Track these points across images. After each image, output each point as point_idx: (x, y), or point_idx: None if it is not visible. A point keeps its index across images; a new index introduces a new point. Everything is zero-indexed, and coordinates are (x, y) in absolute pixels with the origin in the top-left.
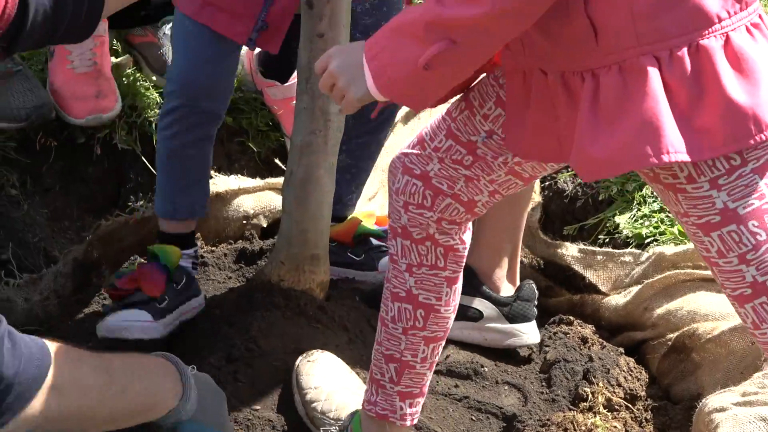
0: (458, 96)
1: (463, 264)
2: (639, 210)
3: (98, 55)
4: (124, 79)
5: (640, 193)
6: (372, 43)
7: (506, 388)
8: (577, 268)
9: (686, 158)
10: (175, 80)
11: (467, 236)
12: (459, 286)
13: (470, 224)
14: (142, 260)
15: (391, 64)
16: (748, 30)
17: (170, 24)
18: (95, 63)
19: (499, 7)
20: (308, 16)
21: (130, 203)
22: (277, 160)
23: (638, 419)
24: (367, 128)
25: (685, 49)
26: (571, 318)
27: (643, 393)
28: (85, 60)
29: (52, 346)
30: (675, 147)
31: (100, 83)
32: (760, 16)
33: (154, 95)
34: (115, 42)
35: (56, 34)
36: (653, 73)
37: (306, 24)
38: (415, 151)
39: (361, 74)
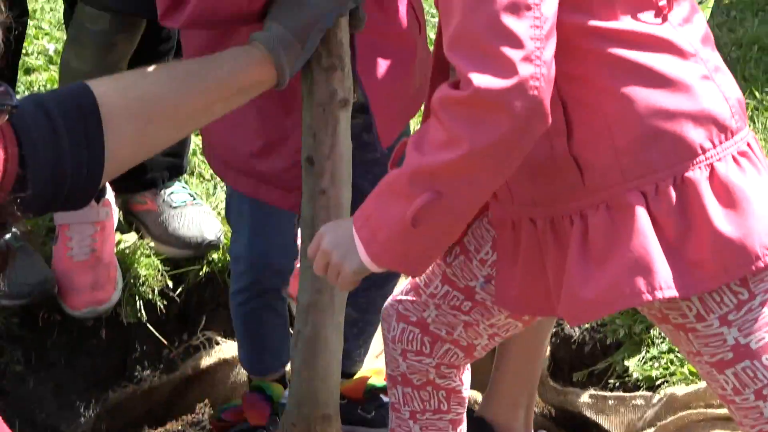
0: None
1: (466, 404)
2: (648, 352)
3: (98, 242)
4: (126, 251)
5: (647, 335)
6: (360, 212)
7: None
8: (589, 414)
9: (675, 294)
10: (244, 259)
11: (466, 376)
12: (464, 427)
13: (468, 364)
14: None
15: (380, 228)
16: (734, 159)
17: (169, 190)
18: (94, 250)
19: (477, 147)
20: (309, 172)
21: (137, 373)
22: None
23: None
24: (372, 281)
25: (670, 183)
26: None
27: None
28: (84, 247)
29: None
30: (667, 283)
31: (98, 272)
32: (748, 144)
33: (156, 262)
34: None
35: (58, 198)
36: (640, 210)
37: (307, 181)
38: (409, 298)
39: (353, 246)
